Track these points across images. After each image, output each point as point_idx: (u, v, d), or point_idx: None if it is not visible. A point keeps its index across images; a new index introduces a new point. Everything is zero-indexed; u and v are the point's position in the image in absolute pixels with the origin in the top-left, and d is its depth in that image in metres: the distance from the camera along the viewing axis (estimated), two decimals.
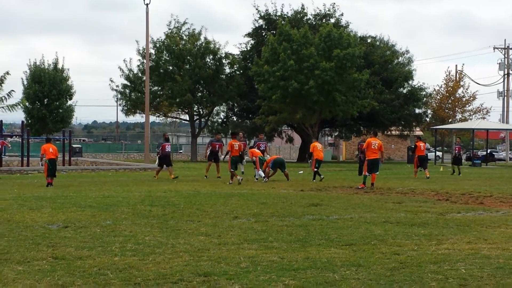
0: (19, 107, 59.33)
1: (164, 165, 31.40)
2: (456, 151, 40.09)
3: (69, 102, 70.23)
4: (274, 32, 59.18)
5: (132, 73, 66.24)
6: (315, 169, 29.07)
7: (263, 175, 28.50)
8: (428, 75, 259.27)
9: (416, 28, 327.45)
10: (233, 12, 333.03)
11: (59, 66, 68.94)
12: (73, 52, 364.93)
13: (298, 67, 52.99)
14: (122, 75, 66.14)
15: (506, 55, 78.06)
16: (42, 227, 13.09)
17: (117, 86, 67.13)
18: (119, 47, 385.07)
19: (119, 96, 68.23)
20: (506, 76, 78.09)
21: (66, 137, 51.15)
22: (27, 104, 66.56)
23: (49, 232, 12.48)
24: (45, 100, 67.92)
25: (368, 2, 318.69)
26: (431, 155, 62.32)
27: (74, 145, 60.45)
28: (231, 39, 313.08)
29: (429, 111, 70.82)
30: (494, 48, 79.12)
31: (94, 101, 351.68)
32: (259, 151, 30.41)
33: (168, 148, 31.84)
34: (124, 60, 67.15)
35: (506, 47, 78.54)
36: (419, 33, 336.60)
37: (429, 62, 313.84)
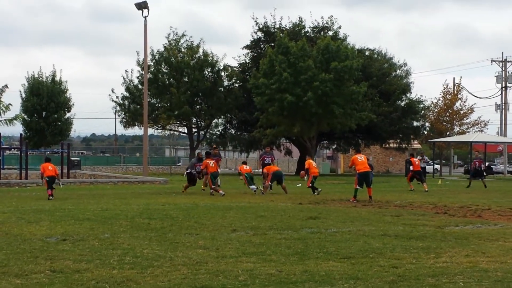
0: (17, 121, 59.42)
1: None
2: (477, 164, 39.93)
3: (68, 115, 70.43)
4: (273, 44, 59.29)
5: (132, 84, 66.42)
6: (311, 185, 28.89)
7: (254, 188, 28.93)
8: (428, 88, 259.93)
9: (416, 40, 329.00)
10: (235, 24, 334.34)
11: (57, 78, 69.12)
12: (73, 64, 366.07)
13: (294, 80, 53.05)
14: (123, 83, 66.40)
15: (503, 68, 78.20)
16: (40, 240, 13.08)
17: (117, 97, 67.31)
18: (120, 59, 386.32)
19: (118, 108, 68.33)
20: (503, 89, 78.22)
21: (65, 150, 51.08)
22: (25, 117, 66.64)
23: (47, 245, 12.47)
24: (43, 113, 68.04)
25: (369, 14, 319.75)
26: (429, 168, 62.33)
27: (72, 158, 60.37)
28: (233, 51, 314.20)
29: (427, 124, 70.89)
30: (492, 61, 79.28)
31: (93, 113, 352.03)
32: (247, 168, 30.76)
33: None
34: (126, 71, 67.44)
35: (503, 60, 78.68)
36: (420, 45, 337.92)
37: (430, 75, 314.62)
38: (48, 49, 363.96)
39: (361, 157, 26.02)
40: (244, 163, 31.96)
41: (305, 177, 30.01)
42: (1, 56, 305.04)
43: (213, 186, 28.06)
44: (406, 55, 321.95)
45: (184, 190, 30.19)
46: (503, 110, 78.29)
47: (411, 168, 34.29)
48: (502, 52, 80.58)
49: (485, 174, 40.80)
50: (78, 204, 22.20)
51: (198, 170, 30.31)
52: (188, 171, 31.08)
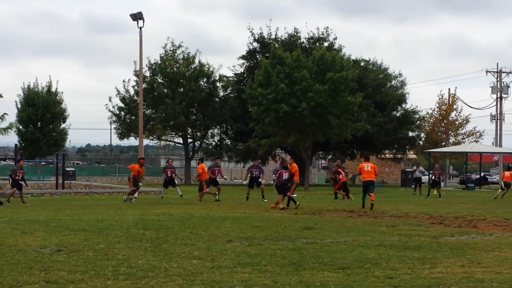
0: (11, 130, 59.38)
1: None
2: (436, 176, 41.05)
3: (63, 125, 70.44)
4: (268, 55, 59.38)
5: (128, 94, 66.39)
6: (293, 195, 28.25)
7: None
8: (423, 98, 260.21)
9: (412, 51, 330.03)
10: (232, 34, 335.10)
11: (53, 89, 69.18)
12: (70, 75, 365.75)
13: (290, 90, 53.10)
14: (118, 95, 66.36)
15: (498, 79, 78.36)
16: (34, 251, 13.03)
17: (114, 106, 67.30)
18: (116, 70, 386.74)
19: (114, 118, 68.32)
20: (498, 99, 78.36)
21: (60, 160, 51.09)
22: (20, 127, 66.66)
23: (42, 256, 12.43)
24: (39, 123, 68.05)
25: (366, 26, 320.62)
26: (425, 178, 62.39)
27: (67, 169, 60.32)
28: (230, 61, 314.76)
29: (422, 134, 71.00)
30: (487, 71, 79.42)
31: (88, 124, 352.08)
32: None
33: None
34: (123, 81, 67.42)
35: (498, 70, 78.85)
36: (416, 56, 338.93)
37: (425, 85, 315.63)
38: (44, 60, 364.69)
39: (367, 166, 27.00)
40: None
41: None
42: None
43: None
44: (402, 66, 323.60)
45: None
46: (498, 120, 78.41)
47: (340, 177, 34.50)
48: (497, 63, 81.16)
49: (441, 184, 42.27)
50: (73, 215, 22.16)
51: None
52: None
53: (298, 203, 26.24)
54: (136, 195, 32.28)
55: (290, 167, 27.77)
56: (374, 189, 26.83)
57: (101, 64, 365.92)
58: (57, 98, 69.49)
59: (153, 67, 65.56)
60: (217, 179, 33.51)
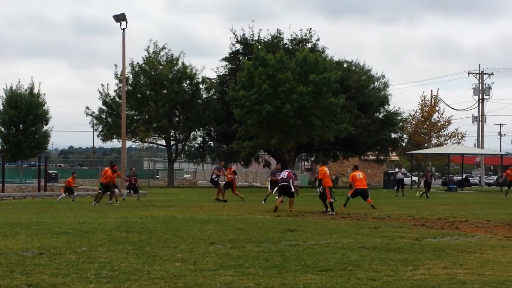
0: None
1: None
2: (428, 177, 42.72)
3: (45, 128, 70.15)
4: (251, 56, 59.43)
5: (109, 97, 66.18)
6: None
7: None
8: (408, 100, 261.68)
9: (399, 52, 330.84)
10: (217, 36, 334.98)
11: (35, 91, 68.89)
12: (55, 77, 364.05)
13: (273, 91, 53.14)
14: (100, 97, 66.21)
15: (480, 80, 78.77)
16: (16, 254, 12.95)
17: (93, 112, 67.14)
18: (102, 71, 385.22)
19: (95, 121, 68.14)
20: (480, 101, 78.77)
21: (42, 162, 50.84)
22: (2, 129, 66.38)
23: (24, 259, 12.35)
24: (21, 125, 67.71)
25: (353, 26, 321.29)
26: (407, 180, 62.59)
27: (50, 171, 60.08)
28: (215, 63, 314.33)
29: (405, 136, 71.26)
30: (469, 73, 79.86)
31: (71, 126, 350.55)
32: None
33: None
34: (102, 85, 67.16)
35: (480, 72, 79.27)
36: (402, 57, 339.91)
37: (410, 87, 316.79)
38: (30, 62, 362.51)
39: (359, 175, 28.00)
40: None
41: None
42: None
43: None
44: (389, 67, 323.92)
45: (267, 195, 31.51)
46: (480, 122, 78.85)
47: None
48: (479, 65, 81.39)
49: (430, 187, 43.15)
50: (55, 218, 22.06)
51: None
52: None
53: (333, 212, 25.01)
54: (125, 196, 34.00)
55: (318, 170, 28.61)
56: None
57: (87, 65, 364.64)
58: (40, 100, 69.22)
59: (136, 69, 65.42)
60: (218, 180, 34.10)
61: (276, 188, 28.57)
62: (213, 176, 34.05)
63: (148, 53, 65.83)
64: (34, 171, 62.88)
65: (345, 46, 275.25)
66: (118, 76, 64.66)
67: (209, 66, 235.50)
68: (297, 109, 52.82)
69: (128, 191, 36.40)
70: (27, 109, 67.21)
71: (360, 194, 27.74)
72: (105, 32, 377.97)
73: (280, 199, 26.45)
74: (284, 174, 26.91)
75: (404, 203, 32.36)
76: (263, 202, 30.87)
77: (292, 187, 26.37)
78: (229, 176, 34.57)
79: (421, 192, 41.56)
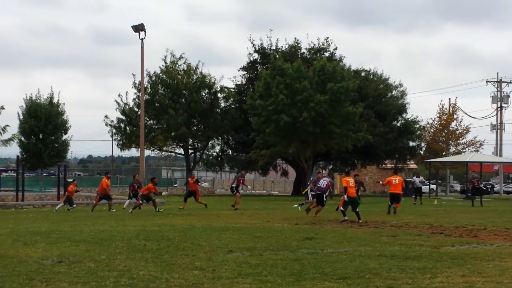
0: (13, 141, 59.40)
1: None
2: (475, 184, 42.13)
3: (64, 137, 70.45)
4: (268, 65, 59.49)
5: (128, 106, 66.38)
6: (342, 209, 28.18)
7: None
8: (427, 108, 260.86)
9: (417, 61, 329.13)
10: (236, 45, 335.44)
11: (55, 100, 69.24)
12: (74, 86, 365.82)
13: (290, 101, 53.16)
14: (117, 108, 66.36)
15: (498, 89, 78.46)
16: (36, 262, 13.05)
17: (112, 121, 67.33)
18: (121, 81, 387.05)
19: (113, 131, 68.35)
20: (499, 109, 78.44)
21: (61, 171, 51.08)
22: (22, 138, 66.77)
23: (43, 267, 12.45)
24: (41, 135, 68.08)
25: (371, 35, 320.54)
26: (425, 188, 62.35)
27: (69, 180, 60.32)
28: (234, 72, 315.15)
29: (422, 144, 71.02)
30: (487, 81, 79.58)
31: (90, 135, 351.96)
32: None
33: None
34: (119, 95, 67.38)
35: (498, 80, 78.96)
36: (420, 66, 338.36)
37: (429, 95, 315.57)
38: (50, 72, 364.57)
39: (395, 180, 30.40)
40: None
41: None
42: (3, 78, 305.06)
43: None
44: (407, 76, 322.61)
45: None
46: (498, 130, 78.52)
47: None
48: (497, 73, 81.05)
49: (488, 191, 42.15)
50: (74, 226, 22.18)
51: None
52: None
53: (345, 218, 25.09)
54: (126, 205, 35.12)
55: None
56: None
57: (106, 75, 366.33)
58: (59, 109, 69.56)
59: (153, 78, 65.60)
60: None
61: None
62: (233, 185, 34.36)
63: (165, 62, 65.99)
64: (53, 180, 63.18)
65: (363, 55, 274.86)
66: (137, 85, 64.87)
67: (227, 75, 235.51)
68: (314, 117, 52.80)
69: (130, 199, 36.71)
70: (47, 119, 67.54)
71: (392, 197, 30.10)
72: (124, 42, 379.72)
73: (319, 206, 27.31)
74: (323, 183, 27.40)
75: (422, 211, 32.28)
76: (299, 208, 31.31)
77: (325, 196, 27.10)
78: (192, 184, 35.69)
79: (441, 201, 41.20)
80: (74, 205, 36.09)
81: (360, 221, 24.06)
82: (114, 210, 33.69)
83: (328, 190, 27.29)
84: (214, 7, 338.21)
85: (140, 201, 32.90)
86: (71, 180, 44.07)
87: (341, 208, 25.27)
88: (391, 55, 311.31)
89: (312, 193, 31.16)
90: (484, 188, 42.23)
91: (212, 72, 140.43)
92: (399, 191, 30.16)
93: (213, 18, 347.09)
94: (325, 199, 27.11)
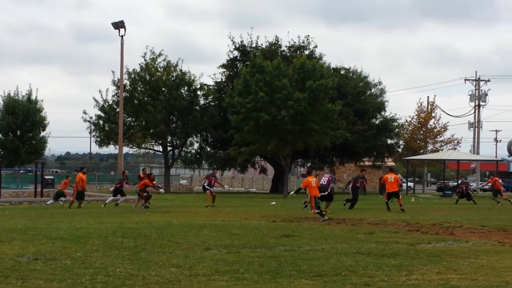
0: None
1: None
2: (464, 188, 42.27)
3: (42, 134, 70.09)
4: (248, 63, 59.47)
5: (107, 103, 66.12)
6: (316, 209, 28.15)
7: None
8: (407, 106, 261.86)
9: (397, 59, 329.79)
10: (219, 42, 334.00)
11: (33, 97, 68.88)
12: (55, 83, 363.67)
13: (270, 99, 53.17)
14: (96, 105, 66.05)
15: (477, 87, 78.95)
16: (12, 260, 12.98)
17: (91, 117, 66.93)
18: (101, 78, 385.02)
19: (92, 127, 68.00)
20: (476, 107, 78.93)
21: (39, 168, 50.84)
22: None
23: (19, 264, 12.38)
24: (18, 132, 67.68)
25: (353, 33, 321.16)
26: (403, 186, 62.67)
27: (46, 177, 60.00)
28: (216, 69, 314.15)
29: (401, 142, 71.38)
30: (465, 79, 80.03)
31: (68, 132, 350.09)
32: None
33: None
34: (99, 91, 67.03)
35: (477, 78, 79.45)
36: (401, 64, 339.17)
37: (408, 93, 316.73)
38: (29, 69, 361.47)
39: (391, 178, 31.03)
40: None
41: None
42: None
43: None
44: (386, 74, 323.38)
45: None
46: (476, 128, 79.00)
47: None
48: (476, 71, 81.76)
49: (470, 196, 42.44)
50: (51, 223, 22.08)
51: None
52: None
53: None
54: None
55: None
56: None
57: (87, 72, 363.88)
58: (37, 106, 69.23)
59: (132, 75, 65.39)
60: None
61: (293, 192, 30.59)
62: (205, 184, 34.53)
63: (145, 59, 65.81)
64: (30, 177, 62.88)
65: (344, 53, 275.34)
66: (116, 82, 64.68)
67: (210, 72, 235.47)
68: (293, 116, 52.83)
69: (114, 196, 36.67)
70: (25, 116, 67.18)
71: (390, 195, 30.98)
72: (106, 39, 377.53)
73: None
74: (324, 180, 27.73)
75: (399, 209, 32.37)
76: (304, 208, 31.24)
77: (330, 194, 27.94)
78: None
79: (418, 198, 41.45)
80: (64, 199, 36.25)
81: (322, 218, 24.23)
82: (83, 207, 33.54)
83: (329, 186, 27.84)
84: (197, 4, 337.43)
85: (144, 194, 32.72)
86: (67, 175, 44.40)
87: (316, 211, 25.21)
88: (372, 54, 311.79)
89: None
90: (471, 192, 42.53)
91: (194, 69, 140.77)
92: (395, 189, 30.88)
93: (196, 16, 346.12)
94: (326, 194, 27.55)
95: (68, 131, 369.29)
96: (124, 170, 44.27)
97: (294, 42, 66.32)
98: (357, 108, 63.65)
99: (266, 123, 52.70)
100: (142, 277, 11.03)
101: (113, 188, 38.03)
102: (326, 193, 27.17)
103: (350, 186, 33.29)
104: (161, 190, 35.83)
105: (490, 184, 45.50)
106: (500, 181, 43.87)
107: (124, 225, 20.96)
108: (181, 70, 65.83)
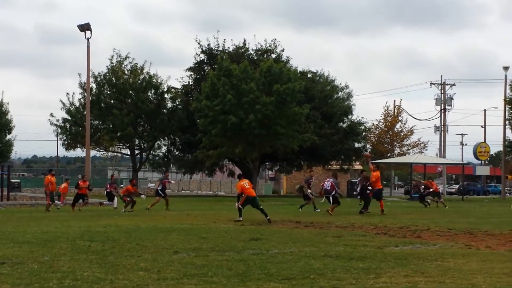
0: None
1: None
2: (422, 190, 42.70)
3: (8, 137, 69.41)
4: (215, 66, 59.49)
5: (73, 106, 65.73)
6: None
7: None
8: (373, 110, 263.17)
9: (365, 63, 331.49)
10: (187, 46, 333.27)
11: None
12: (22, 86, 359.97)
13: (237, 102, 53.22)
14: (63, 108, 65.63)
15: (442, 91, 79.66)
16: None
17: (57, 120, 66.48)
18: (67, 81, 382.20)
19: (59, 130, 67.53)
20: (442, 111, 79.62)
21: (5, 171, 50.37)
22: None
23: None
24: None
25: (320, 37, 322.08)
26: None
27: (12, 180, 59.53)
28: (182, 72, 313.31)
29: (368, 145, 71.76)
30: (431, 83, 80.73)
31: (35, 135, 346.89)
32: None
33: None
34: (66, 94, 66.62)
35: (442, 82, 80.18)
36: (368, 68, 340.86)
37: (375, 97, 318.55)
38: None
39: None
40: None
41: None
42: None
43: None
44: (354, 78, 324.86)
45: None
46: (442, 132, 79.71)
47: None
48: (441, 75, 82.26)
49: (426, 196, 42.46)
50: (17, 227, 21.88)
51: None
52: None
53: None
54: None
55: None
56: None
57: (53, 75, 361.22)
58: (3, 108, 68.57)
59: (98, 79, 65.07)
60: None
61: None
62: (159, 188, 35.12)
63: (112, 62, 65.55)
64: None
65: (312, 57, 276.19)
66: (82, 85, 64.31)
67: (177, 76, 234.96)
68: (260, 120, 52.94)
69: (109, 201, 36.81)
70: None
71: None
72: (73, 42, 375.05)
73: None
74: (328, 184, 28.57)
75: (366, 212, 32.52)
76: (300, 209, 31.60)
77: (336, 196, 29.02)
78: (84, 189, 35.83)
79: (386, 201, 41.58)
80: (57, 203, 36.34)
81: (268, 217, 24.44)
82: (50, 211, 33.37)
83: (334, 190, 28.77)
84: (164, 7, 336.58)
85: (128, 198, 33.26)
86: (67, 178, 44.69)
87: (239, 206, 25.30)
88: (339, 57, 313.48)
89: (310, 194, 32.92)
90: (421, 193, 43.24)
91: (161, 72, 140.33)
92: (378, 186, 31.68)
93: (162, 19, 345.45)
94: (330, 199, 29.00)
95: (34, 134, 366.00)
96: (112, 174, 44.49)
97: (261, 45, 66.50)
98: (325, 111, 63.90)
99: (234, 126, 52.78)
100: (110, 281, 10.97)
101: (105, 193, 37.91)
102: (334, 195, 28.74)
103: (359, 189, 33.54)
104: (142, 196, 35.95)
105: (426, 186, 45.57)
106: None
107: (92, 229, 20.83)
108: (148, 73, 65.74)
